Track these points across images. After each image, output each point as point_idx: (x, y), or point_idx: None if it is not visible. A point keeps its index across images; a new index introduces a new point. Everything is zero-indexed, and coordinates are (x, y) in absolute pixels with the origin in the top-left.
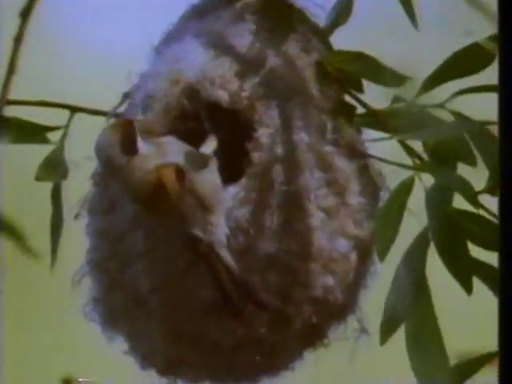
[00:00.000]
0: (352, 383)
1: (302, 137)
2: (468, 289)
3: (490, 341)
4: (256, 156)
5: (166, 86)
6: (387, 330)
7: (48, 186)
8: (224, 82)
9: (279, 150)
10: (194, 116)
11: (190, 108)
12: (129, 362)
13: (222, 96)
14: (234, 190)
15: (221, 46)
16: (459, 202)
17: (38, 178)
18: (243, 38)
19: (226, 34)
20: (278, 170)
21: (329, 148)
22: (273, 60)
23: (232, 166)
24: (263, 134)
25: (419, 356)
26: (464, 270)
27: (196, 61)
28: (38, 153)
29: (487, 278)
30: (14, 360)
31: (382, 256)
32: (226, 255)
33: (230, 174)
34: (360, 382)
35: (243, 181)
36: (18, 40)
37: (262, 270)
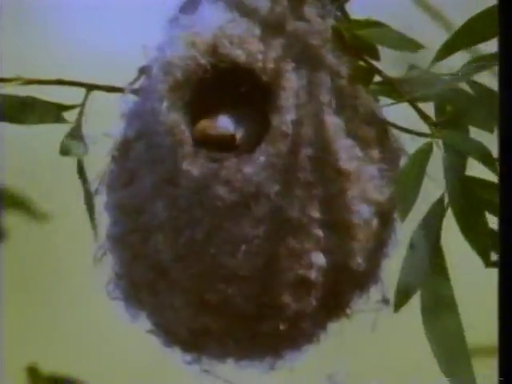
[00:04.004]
0: (374, 356)
1: (321, 100)
2: (486, 259)
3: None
4: (275, 119)
5: (183, 49)
6: (401, 297)
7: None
8: (242, 42)
9: (299, 114)
10: (214, 78)
11: (210, 68)
12: (152, 341)
13: (240, 55)
14: (254, 156)
15: (237, 9)
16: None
17: (63, 153)
18: (260, 1)
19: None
20: (298, 133)
21: (348, 113)
22: (290, 23)
23: (251, 131)
24: (282, 97)
25: (434, 326)
26: (481, 240)
27: (213, 23)
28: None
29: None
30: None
31: (403, 215)
32: None
33: (249, 139)
34: (382, 355)
35: (263, 145)
36: None
37: (284, 235)
